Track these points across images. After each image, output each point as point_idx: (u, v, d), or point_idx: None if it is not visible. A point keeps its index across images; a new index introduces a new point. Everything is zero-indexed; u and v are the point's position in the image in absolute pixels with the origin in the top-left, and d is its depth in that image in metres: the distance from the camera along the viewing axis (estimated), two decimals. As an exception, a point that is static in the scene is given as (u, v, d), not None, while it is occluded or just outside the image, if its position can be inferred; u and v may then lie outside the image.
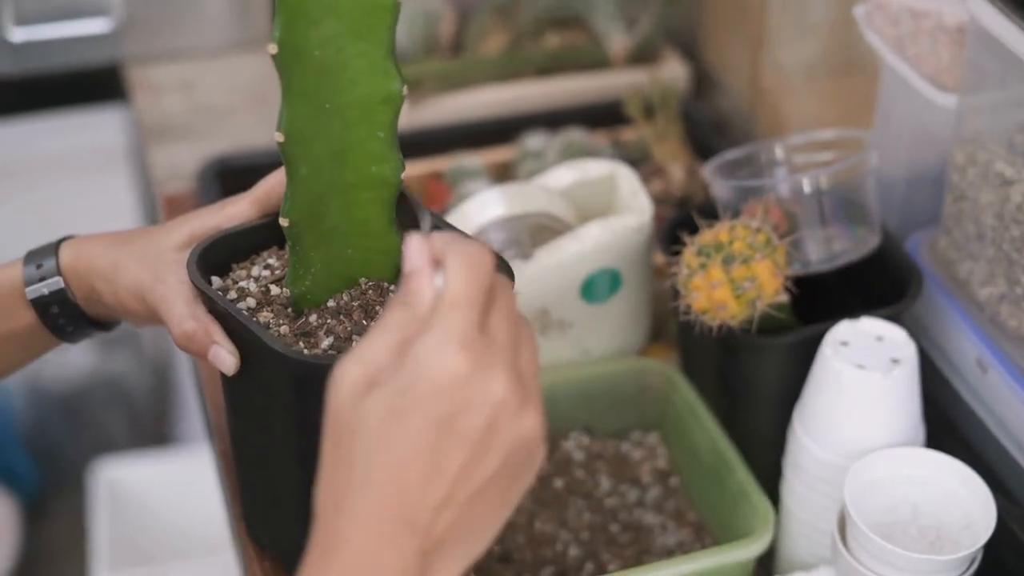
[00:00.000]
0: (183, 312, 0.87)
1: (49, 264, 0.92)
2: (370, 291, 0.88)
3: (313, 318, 0.87)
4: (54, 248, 0.94)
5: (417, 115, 1.45)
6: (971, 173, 1.04)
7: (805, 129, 1.18)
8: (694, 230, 1.04)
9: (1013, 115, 1.00)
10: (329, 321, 0.87)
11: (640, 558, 1.08)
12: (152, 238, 0.92)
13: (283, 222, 0.85)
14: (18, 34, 1.59)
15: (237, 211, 0.92)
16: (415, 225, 0.86)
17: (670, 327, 1.23)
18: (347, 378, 0.63)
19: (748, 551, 1.00)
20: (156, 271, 0.89)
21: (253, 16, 1.65)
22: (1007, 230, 1.01)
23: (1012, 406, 1.03)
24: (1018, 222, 1.00)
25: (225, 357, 0.86)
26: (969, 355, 1.07)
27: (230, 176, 1.37)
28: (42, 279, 0.92)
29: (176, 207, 1.39)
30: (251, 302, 0.88)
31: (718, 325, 1.02)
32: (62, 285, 0.92)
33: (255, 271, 0.90)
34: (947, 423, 1.09)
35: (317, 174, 0.83)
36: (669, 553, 1.08)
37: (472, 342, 0.62)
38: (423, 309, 0.64)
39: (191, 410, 2.26)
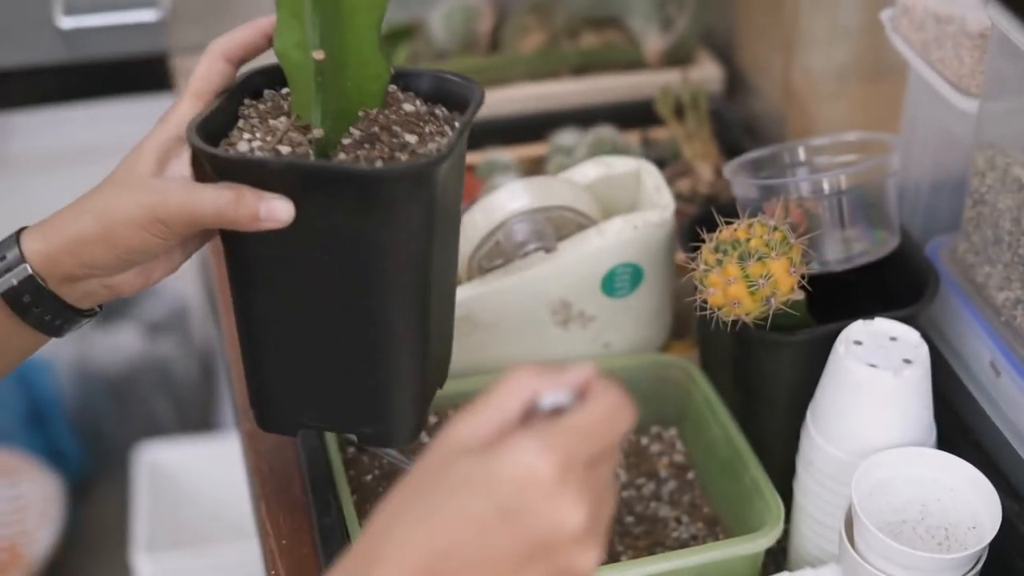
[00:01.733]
0: (210, 191, 0.83)
1: (12, 254, 0.88)
2: (379, 116, 0.88)
3: (342, 156, 0.85)
4: (15, 239, 0.89)
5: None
6: (990, 178, 1.05)
7: (835, 133, 1.19)
8: (714, 227, 1.06)
9: (1033, 121, 1.02)
10: (361, 151, 0.85)
11: (653, 550, 1.09)
12: (121, 179, 0.87)
13: (318, 55, 0.83)
14: (67, 22, 1.62)
15: (185, 110, 0.88)
16: (458, 104, 0.90)
17: (692, 324, 1.25)
18: (456, 433, 0.64)
19: (756, 545, 1.01)
20: (152, 190, 0.85)
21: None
22: None
23: (1022, 409, 1.03)
24: (1034, 227, 1.01)
25: (278, 205, 0.82)
26: (983, 358, 1.07)
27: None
28: (8, 270, 0.87)
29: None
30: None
31: (733, 321, 1.03)
32: (30, 271, 0.87)
33: (244, 144, 0.87)
34: (961, 425, 1.10)
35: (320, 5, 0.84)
36: (682, 546, 1.10)
37: (573, 466, 0.63)
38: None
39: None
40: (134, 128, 2.14)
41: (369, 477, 1.12)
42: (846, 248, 1.10)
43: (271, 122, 0.88)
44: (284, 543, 1.04)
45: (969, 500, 0.96)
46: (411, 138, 0.86)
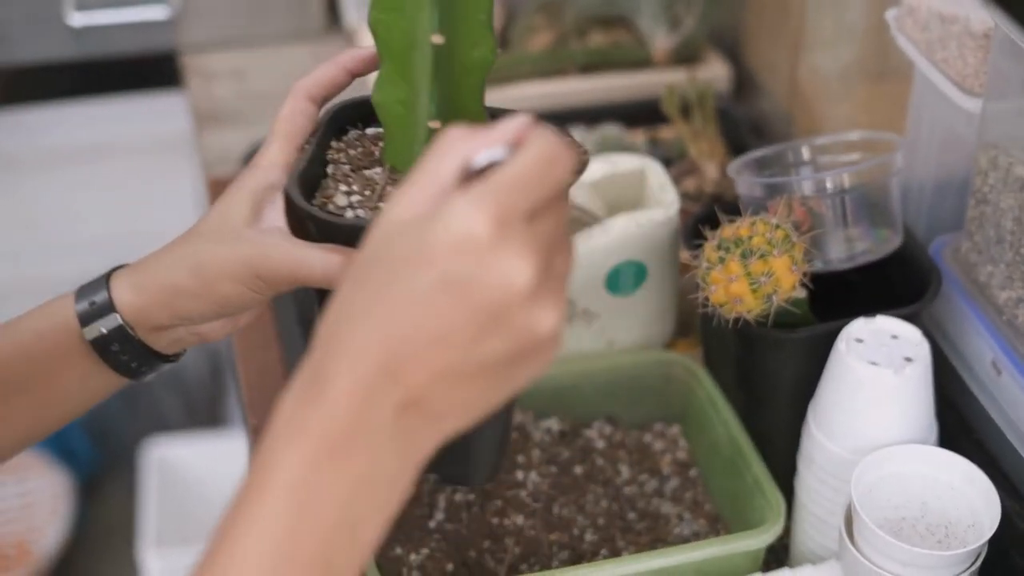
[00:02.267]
0: (317, 253, 0.81)
1: (102, 299, 0.85)
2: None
3: None
4: (104, 281, 0.86)
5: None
6: (993, 177, 1.06)
7: (839, 132, 1.19)
8: (718, 225, 1.06)
9: (1035, 121, 1.02)
10: None
11: (655, 546, 1.10)
12: (215, 230, 0.84)
13: (434, 123, 0.82)
14: (78, 19, 1.63)
15: (274, 155, 0.86)
16: None
17: (697, 321, 1.25)
18: (392, 212, 0.62)
19: (756, 541, 1.02)
20: (251, 244, 0.82)
21: (306, 7, 1.69)
22: (1025, 234, 1.03)
23: (1023, 408, 1.04)
24: (1036, 227, 1.01)
25: None
26: (985, 357, 1.08)
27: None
28: (98, 316, 0.85)
29: (221, 190, 1.43)
30: (362, 213, 0.85)
31: (735, 318, 1.03)
32: (120, 322, 0.85)
33: (342, 198, 0.85)
34: (963, 424, 1.10)
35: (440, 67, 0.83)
36: (683, 542, 1.10)
37: (509, 220, 0.60)
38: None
39: (242, 394, 2.31)
40: (145, 124, 2.16)
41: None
42: (849, 247, 1.10)
43: (366, 173, 0.87)
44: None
45: (969, 498, 0.96)
46: None
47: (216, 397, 2.47)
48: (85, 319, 0.85)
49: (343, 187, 0.85)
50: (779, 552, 1.10)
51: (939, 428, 1.02)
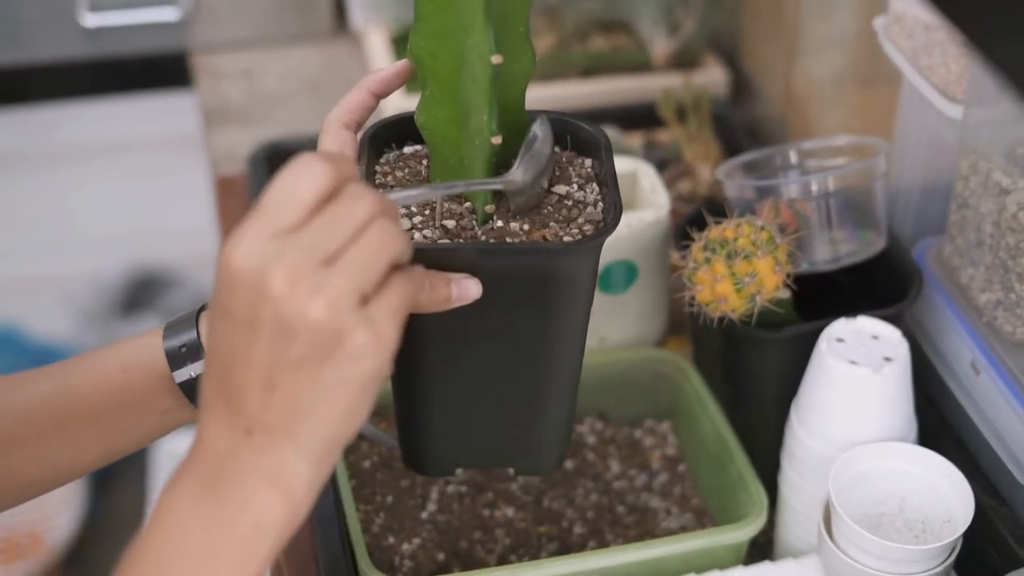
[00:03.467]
0: None
1: (190, 341, 0.87)
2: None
3: (500, 222, 0.86)
4: (194, 322, 0.88)
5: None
6: (973, 182, 1.08)
7: (827, 136, 1.22)
8: (706, 227, 1.09)
9: (1013, 127, 1.04)
10: (516, 221, 0.86)
11: (642, 539, 1.13)
12: None
13: (496, 139, 0.84)
14: (91, 20, 1.66)
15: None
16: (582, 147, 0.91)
17: (687, 320, 1.28)
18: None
19: (738, 535, 1.04)
20: None
21: (315, 9, 1.72)
22: (1003, 238, 1.05)
23: (1001, 409, 1.06)
24: (1013, 230, 1.04)
25: (468, 284, 0.81)
26: (964, 357, 1.10)
27: (279, 159, 1.44)
28: (189, 360, 0.86)
29: (228, 188, 1.46)
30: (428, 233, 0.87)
31: (720, 317, 1.06)
32: None
33: (404, 222, 0.86)
34: (943, 421, 1.13)
35: (471, 81, 0.84)
36: (670, 536, 1.13)
37: (259, 238, 0.66)
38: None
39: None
40: (156, 123, 2.19)
41: (367, 464, 1.16)
42: (834, 249, 1.13)
43: None
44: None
45: (944, 494, 0.99)
46: (561, 188, 0.88)
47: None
48: (175, 361, 0.86)
49: (403, 210, 0.87)
50: (764, 546, 1.13)
51: (919, 426, 1.05)
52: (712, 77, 1.57)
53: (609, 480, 1.18)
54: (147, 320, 2.48)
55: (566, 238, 0.84)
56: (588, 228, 0.85)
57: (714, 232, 1.07)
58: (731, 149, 1.45)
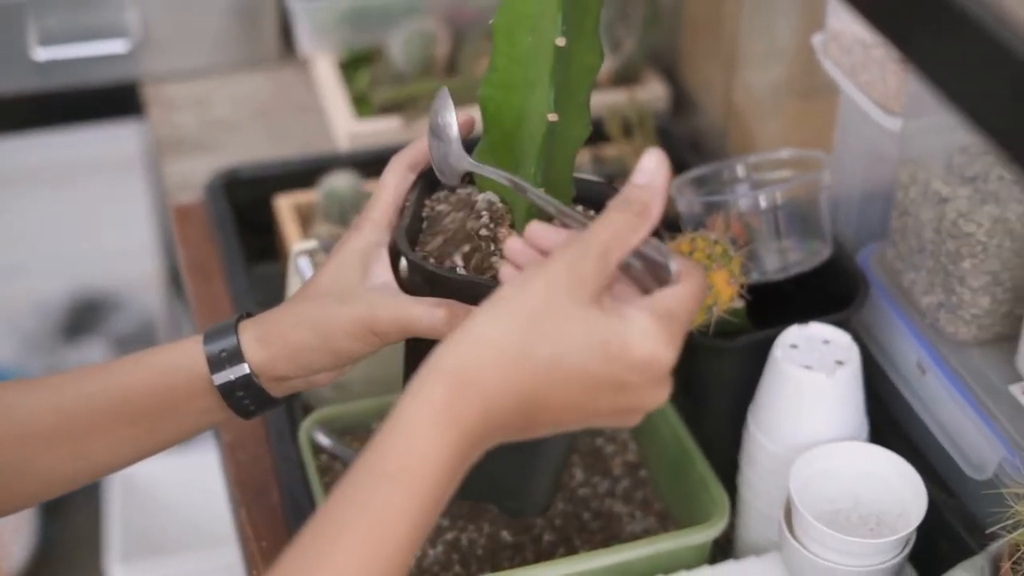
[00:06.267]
0: (422, 309, 0.88)
1: (231, 347, 0.92)
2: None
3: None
4: (233, 330, 0.93)
5: (412, 132, 1.55)
6: (913, 191, 1.14)
7: (772, 149, 1.27)
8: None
9: (951, 138, 1.10)
10: None
11: (609, 543, 1.17)
12: (331, 290, 0.92)
13: (537, 194, 0.87)
14: (42, 54, 1.67)
15: (378, 220, 0.93)
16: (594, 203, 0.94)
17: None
18: (559, 290, 0.76)
19: (703, 536, 1.09)
20: (364, 304, 0.90)
21: (262, 37, 1.74)
22: (944, 244, 1.10)
23: (947, 406, 1.11)
24: (953, 237, 1.09)
25: None
26: (910, 358, 1.15)
27: (236, 187, 1.47)
28: (228, 364, 0.92)
29: (185, 216, 1.48)
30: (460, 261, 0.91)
31: (678, 329, 1.10)
32: (248, 371, 0.91)
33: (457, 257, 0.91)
34: (890, 420, 1.18)
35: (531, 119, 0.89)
36: (635, 539, 1.17)
37: (677, 346, 0.78)
38: None
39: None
40: (100, 151, 2.20)
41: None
42: (783, 258, 1.17)
43: (467, 228, 0.92)
44: (264, 545, 1.11)
45: (897, 489, 1.04)
46: None
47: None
48: (215, 365, 0.91)
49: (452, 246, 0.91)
50: (724, 545, 1.17)
51: (869, 425, 1.10)
52: (653, 93, 1.62)
53: (574, 488, 1.22)
54: (91, 344, 2.49)
55: None
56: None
57: (670, 247, 1.11)
58: (675, 162, 1.48)
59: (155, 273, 2.36)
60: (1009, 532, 0.93)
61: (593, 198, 0.95)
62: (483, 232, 0.91)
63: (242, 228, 1.41)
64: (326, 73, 1.68)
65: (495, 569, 1.13)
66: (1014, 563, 0.93)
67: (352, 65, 1.70)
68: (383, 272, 0.92)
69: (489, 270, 0.89)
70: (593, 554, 1.07)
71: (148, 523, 2.16)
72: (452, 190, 0.95)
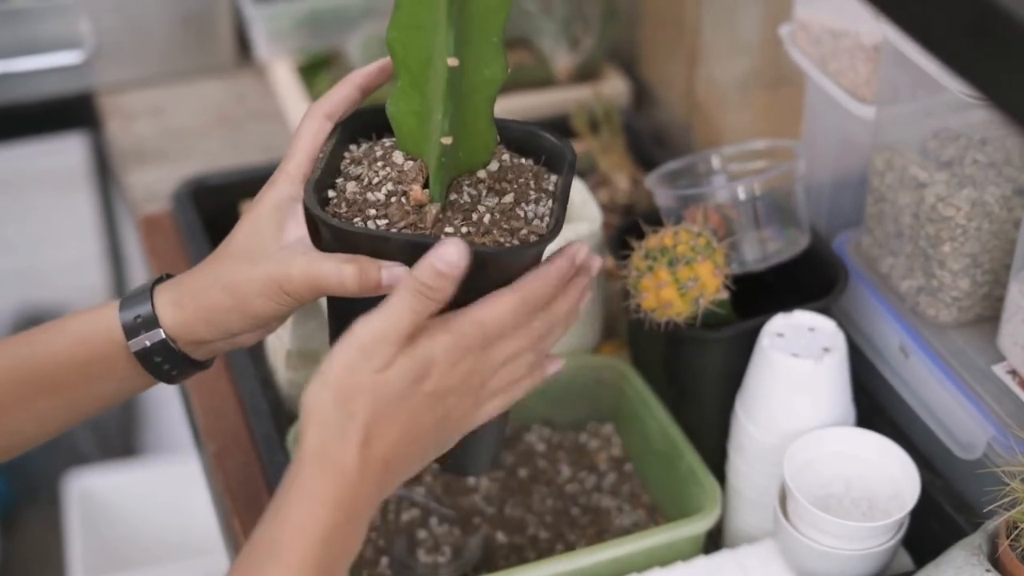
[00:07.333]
0: (331, 265, 0.85)
1: (146, 312, 0.90)
2: (487, 178, 0.90)
3: (449, 229, 0.87)
4: (148, 296, 0.91)
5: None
6: (889, 177, 1.15)
7: (738, 140, 1.27)
8: (640, 236, 1.13)
9: (925, 124, 1.11)
10: (459, 220, 0.87)
11: (601, 537, 1.17)
12: (244, 249, 0.89)
13: (447, 139, 0.85)
14: (-6, 67, 1.66)
15: (292, 170, 0.90)
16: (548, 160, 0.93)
17: (620, 326, 1.33)
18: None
19: (698, 526, 1.09)
20: (275, 262, 0.87)
21: (217, 43, 1.73)
22: (922, 228, 1.12)
23: (931, 387, 1.13)
24: (932, 221, 1.10)
25: (398, 272, 0.83)
26: (892, 342, 1.17)
27: (203, 195, 1.46)
28: (144, 330, 0.90)
29: (153, 226, 1.47)
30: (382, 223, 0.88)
31: (665, 322, 1.11)
32: (163, 336, 0.90)
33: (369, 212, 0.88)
34: (875, 404, 1.19)
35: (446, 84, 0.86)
36: (625, 532, 1.18)
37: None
38: None
39: (155, 423, 2.34)
40: (45, 163, 2.17)
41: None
42: (762, 248, 1.18)
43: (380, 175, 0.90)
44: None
45: (889, 472, 1.05)
46: (508, 199, 0.89)
47: (127, 427, 2.49)
48: (131, 331, 0.90)
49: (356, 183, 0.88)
50: (713, 535, 1.18)
51: (855, 410, 1.11)
52: (614, 88, 1.63)
53: (561, 484, 1.23)
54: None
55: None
56: (533, 239, 0.87)
57: (652, 241, 1.12)
58: (640, 156, 1.51)
59: (103, 287, 2.34)
60: (1007, 510, 0.94)
61: (518, 139, 0.93)
62: (397, 187, 0.88)
63: (211, 236, 1.40)
64: (285, 78, 1.67)
65: (493, 570, 1.14)
66: (1012, 540, 0.94)
67: (311, 69, 1.69)
68: (297, 227, 0.88)
69: (403, 224, 0.86)
70: (589, 550, 1.08)
71: (107, 540, 2.15)
72: (376, 141, 0.92)
